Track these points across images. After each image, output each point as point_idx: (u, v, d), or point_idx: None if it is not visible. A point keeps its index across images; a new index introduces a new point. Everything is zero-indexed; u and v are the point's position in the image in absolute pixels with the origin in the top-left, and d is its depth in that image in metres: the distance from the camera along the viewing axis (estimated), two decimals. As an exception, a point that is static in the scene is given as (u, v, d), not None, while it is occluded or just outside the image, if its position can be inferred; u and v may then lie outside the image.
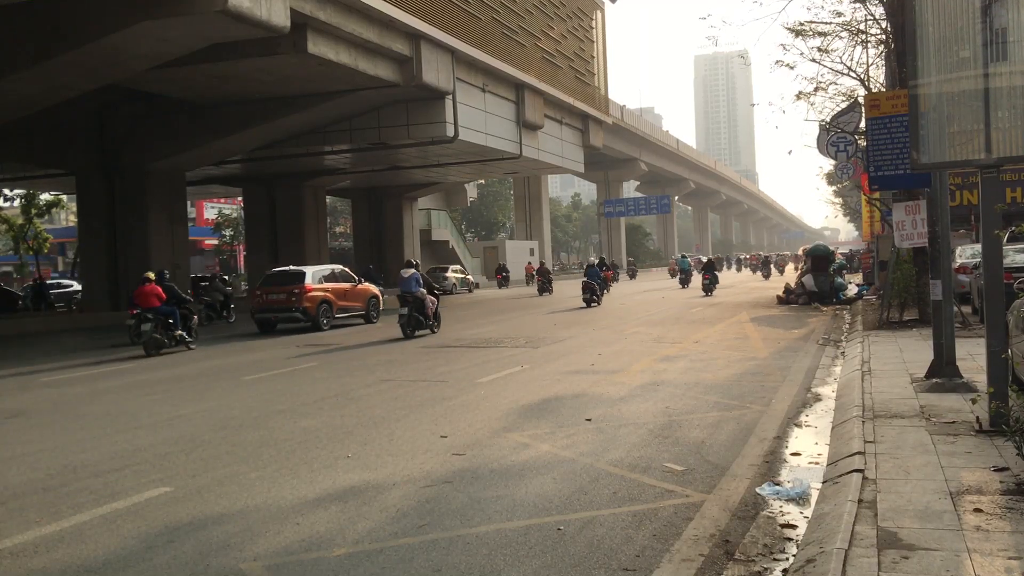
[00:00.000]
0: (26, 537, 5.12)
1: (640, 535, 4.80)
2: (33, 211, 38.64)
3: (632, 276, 55.19)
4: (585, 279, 26.07)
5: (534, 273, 41.98)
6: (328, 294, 20.90)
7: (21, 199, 40.52)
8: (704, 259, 37.65)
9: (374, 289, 23.40)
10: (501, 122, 33.98)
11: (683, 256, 41.21)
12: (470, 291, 42.95)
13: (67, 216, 59.33)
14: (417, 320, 17.70)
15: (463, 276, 43.92)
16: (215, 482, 6.25)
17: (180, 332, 16.81)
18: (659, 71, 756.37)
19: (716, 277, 31.68)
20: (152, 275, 17.07)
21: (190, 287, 24.06)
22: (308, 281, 20.46)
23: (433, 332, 18.21)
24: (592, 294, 25.59)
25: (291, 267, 22.98)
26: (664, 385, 10.16)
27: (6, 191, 40.65)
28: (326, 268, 22.52)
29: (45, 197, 40.61)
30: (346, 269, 23.55)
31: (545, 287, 35.54)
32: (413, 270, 18.10)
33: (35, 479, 6.58)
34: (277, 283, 20.88)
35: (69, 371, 13.92)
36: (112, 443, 7.82)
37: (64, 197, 42.43)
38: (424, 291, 17.93)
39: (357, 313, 22.07)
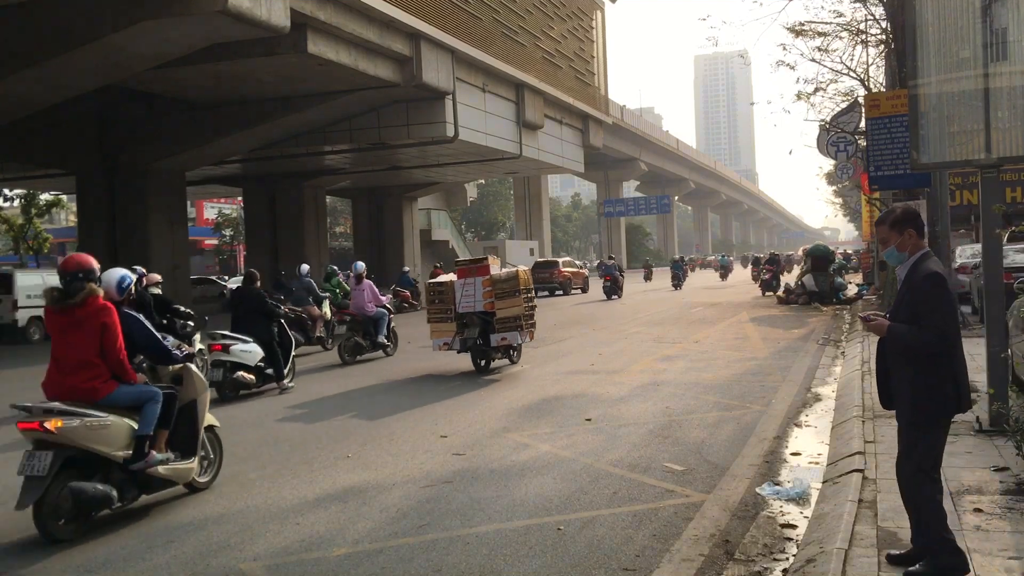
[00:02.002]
0: (26, 537, 5.12)
1: (640, 535, 4.80)
2: (33, 211, 38.60)
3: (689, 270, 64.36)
4: (673, 270, 37.99)
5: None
6: (570, 274, 36.20)
7: (21, 199, 40.49)
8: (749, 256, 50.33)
9: (586, 272, 39.42)
10: (501, 122, 33.96)
11: (723, 255, 54.55)
12: None
13: (67, 216, 59.32)
14: (614, 289, 30.52)
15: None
16: (215, 482, 6.25)
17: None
18: (659, 71, 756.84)
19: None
20: (407, 268, 25.84)
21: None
22: (560, 267, 35.93)
23: (619, 297, 30.17)
24: (678, 281, 36.87)
25: (548, 258, 41.95)
26: (664, 385, 10.16)
27: (6, 191, 40.59)
28: (566, 258, 41.58)
29: (45, 197, 40.58)
30: (573, 260, 41.33)
31: None
32: (615, 260, 33.54)
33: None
34: (543, 268, 35.15)
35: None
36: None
37: (64, 197, 42.38)
38: (619, 273, 31.10)
39: (579, 287, 36.77)
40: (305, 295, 15.17)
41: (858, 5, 19.56)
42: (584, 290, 36.44)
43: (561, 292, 34.85)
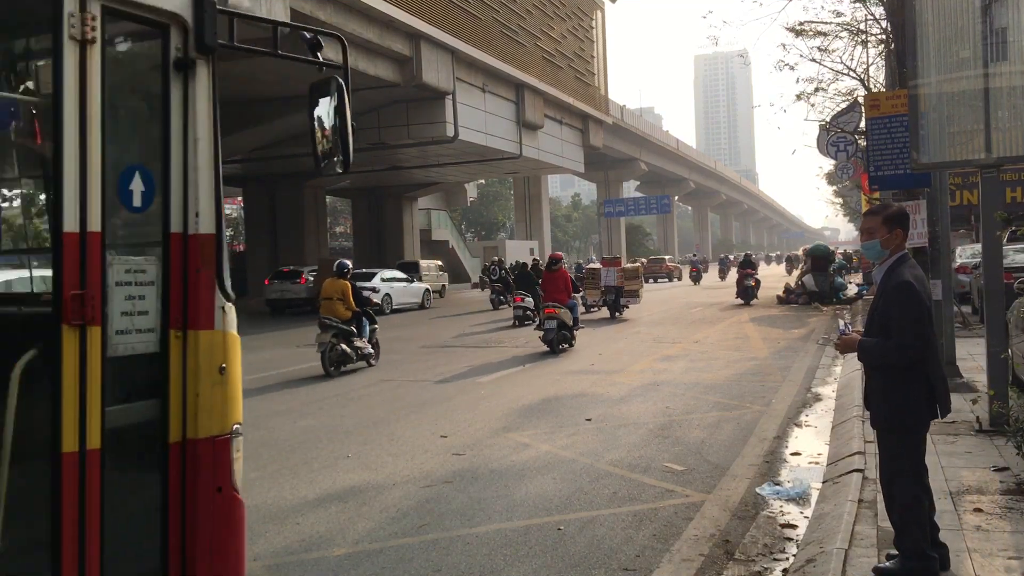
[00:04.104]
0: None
1: (640, 535, 4.80)
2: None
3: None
4: (720, 266, 47.95)
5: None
6: (672, 267, 49.37)
7: (21, 199, 40.54)
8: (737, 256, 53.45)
9: (680, 266, 53.38)
10: (501, 122, 33.95)
11: (751, 255, 59.17)
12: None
13: (67, 216, 59.31)
14: (698, 277, 41.04)
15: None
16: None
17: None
18: (659, 71, 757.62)
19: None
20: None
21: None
22: (667, 263, 49.34)
23: (700, 283, 40.09)
24: (724, 273, 44.62)
25: (658, 256, 55.74)
26: (664, 385, 10.16)
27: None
28: (669, 256, 56.66)
29: (45, 197, 40.64)
30: (673, 257, 59.41)
31: None
32: (697, 256, 54.67)
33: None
34: (655, 263, 48.03)
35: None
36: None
37: (64, 197, 42.43)
38: (701, 266, 42.65)
39: (677, 276, 49.20)
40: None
41: (858, 5, 19.50)
42: (679, 279, 48.39)
43: (667, 280, 46.97)
